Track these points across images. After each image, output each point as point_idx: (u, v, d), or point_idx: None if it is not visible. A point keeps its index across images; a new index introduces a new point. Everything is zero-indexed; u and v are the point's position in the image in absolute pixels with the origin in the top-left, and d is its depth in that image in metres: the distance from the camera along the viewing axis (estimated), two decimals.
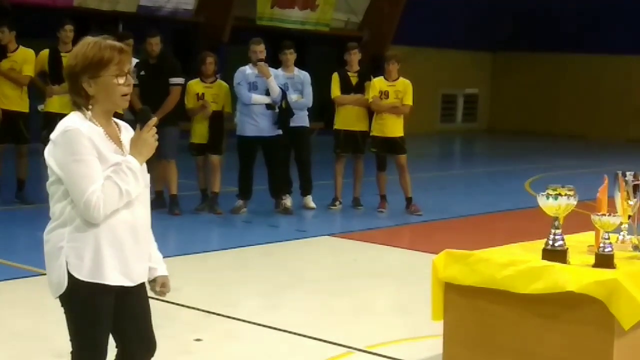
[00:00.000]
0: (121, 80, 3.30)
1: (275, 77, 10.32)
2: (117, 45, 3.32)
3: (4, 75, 10.27)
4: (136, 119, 3.42)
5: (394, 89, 10.73)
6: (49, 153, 3.29)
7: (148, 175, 3.44)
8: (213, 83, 10.45)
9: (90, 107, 3.32)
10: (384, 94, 10.71)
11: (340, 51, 11.58)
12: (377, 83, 10.78)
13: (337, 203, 11.09)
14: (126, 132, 3.45)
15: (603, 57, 24.46)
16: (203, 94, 10.36)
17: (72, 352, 3.43)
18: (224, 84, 10.54)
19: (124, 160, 3.28)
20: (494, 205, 12.14)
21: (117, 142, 3.37)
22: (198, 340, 5.73)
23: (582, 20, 24.50)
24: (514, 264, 4.12)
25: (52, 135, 3.29)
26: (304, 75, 10.80)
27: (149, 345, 3.56)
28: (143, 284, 3.50)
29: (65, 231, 3.30)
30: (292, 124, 10.49)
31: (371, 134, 10.87)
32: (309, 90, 10.74)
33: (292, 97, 10.56)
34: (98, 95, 3.31)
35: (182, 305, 6.51)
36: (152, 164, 10.00)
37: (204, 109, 10.31)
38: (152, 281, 3.55)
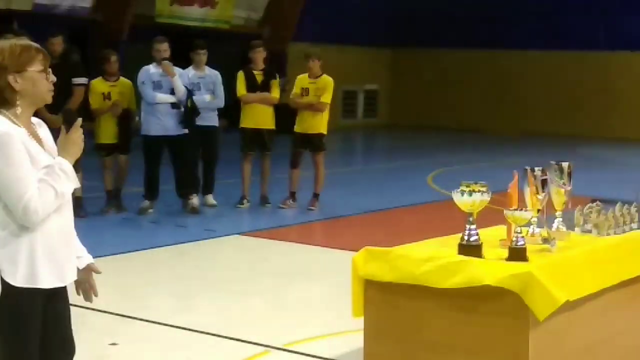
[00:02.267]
0: (46, 76, 3.35)
1: (180, 76, 10.25)
2: (35, 45, 3.41)
3: None
4: (62, 120, 3.42)
5: (315, 86, 10.82)
6: None
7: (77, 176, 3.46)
8: (117, 81, 10.33)
9: (17, 103, 3.30)
10: (305, 91, 10.78)
11: (241, 48, 11.58)
12: (300, 80, 10.87)
13: (245, 201, 11.08)
14: (40, 128, 3.44)
15: (499, 52, 25.12)
16: (109, 92, 10.23)
17: None
18: (128, 81, 10.43)
19: (56, 163, 3.27)
20: (398, 200, 12.34)
21: (38, 140, 3.36)
22: (113, 344, 5.67)
23: (478, 16, 25.06)
24: (432, 260, 4.21)
25: None
26: (215, 75, 10.79)
27: (70, 347, 3.54)
28: (65, 286, 3.47)
29: None
30: (202, 123, 10.48)
31: (294, 129, 10.92)
32: (220, 90, 10.74)
33: (205, 97, 10.57)
34: (24, 90, 3.30)
35: (95, 310, 6.40)
36: None
37: (114, 107, 10.18)
38: (83, 270, 3.52)
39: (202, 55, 10.72)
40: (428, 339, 4.25)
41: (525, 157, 14.99)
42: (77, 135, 3.35)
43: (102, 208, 10.38)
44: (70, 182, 3.30)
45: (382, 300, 4.35)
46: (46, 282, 3.30)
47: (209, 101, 10.57)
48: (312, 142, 10.89)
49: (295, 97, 10.81)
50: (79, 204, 10.09)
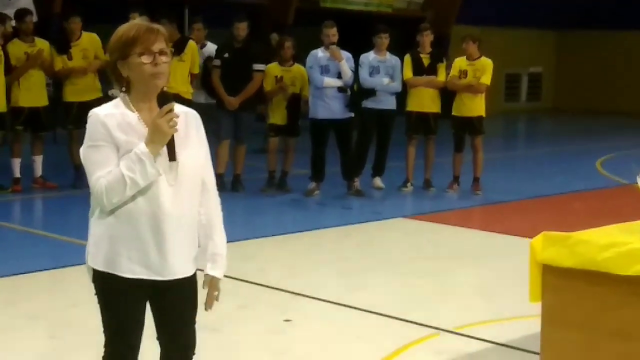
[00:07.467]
0: (146, 59, 3.12)
1: (347, 60, 10.37)
2: (145, 25, 3.19)
3: (87, 70, 10.45)
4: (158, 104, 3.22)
5: (473, 67, 10.75)
6: None
7: (177, 163, 3.18)
8: (291, 67, 10.58)
9: (123, 89, 3.21)
10: (463, 74, 10.73)
11: (401, 32, 11.56)
12: (458, 62, 10.84)
13: (409, 184, 11.11)
14: (182, 117, 3.22)
15: None
16: (282, 76, 10.49)
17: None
18: (302, 68, 10.59)
19: (137, 149, 3.10)
20: (565, 186, 12.05)
21: None
22: (287, 320, 5.83)
23: None
24: (615, 246, 4.10)
25: None
26: (396, 60, 10.84)
27: (182, 346, 3.38)
28: (191, 280, 3.32)
29: (91, 220, 3.28)
30: (379, 107, 10.61)
31: (452, 114, 10.88)
32: (399, 75, 10.79)
33: (384, 80, 10.66)
34: (130, 77, 3.17)
35: (268, 287, 6.62)
36: (225, 148, 10.27)
37: (282, 90, 10.42)
38: (207, 280, 3.41)
39: (384, 39, 10.79)
40: (609, 327, 4.15)
41: None
42: (163, 120, 3.09)
43: (262, 187, 10.68)
44: (145, 169, 3.09)
45: (561, 286, 4.27)
46: (127, 270, 3.19)
47: (387, 84, 10.66)
48: (472, 125, 10.80)
49: (454, 79, 10.74)
50: (239, 180, 10.56)
